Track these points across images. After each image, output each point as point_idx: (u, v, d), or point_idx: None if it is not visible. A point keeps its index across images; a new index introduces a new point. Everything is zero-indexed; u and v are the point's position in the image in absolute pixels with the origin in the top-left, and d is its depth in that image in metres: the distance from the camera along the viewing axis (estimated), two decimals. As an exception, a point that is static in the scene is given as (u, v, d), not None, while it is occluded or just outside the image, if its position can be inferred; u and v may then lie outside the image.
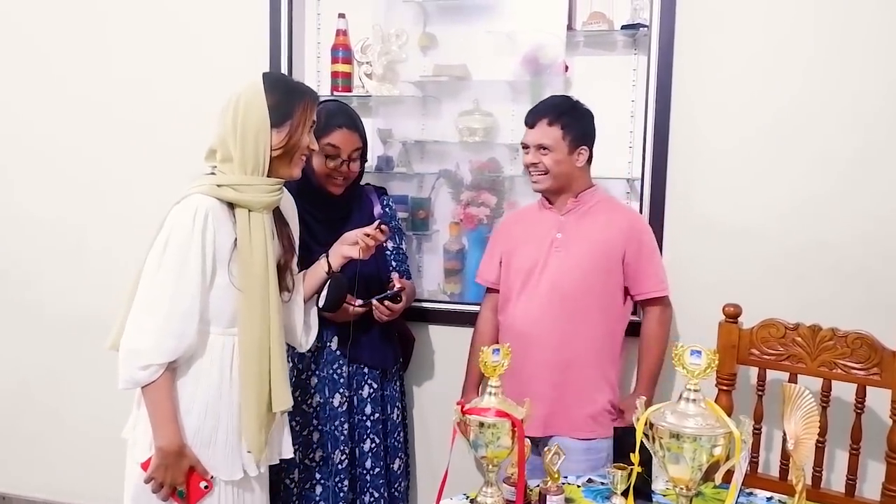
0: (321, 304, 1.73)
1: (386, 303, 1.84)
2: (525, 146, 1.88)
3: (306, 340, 1.75)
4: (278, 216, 1.64)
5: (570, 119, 1.85)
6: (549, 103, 1.89)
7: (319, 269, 1.73)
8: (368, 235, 1.70)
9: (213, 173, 1.55)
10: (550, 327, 1.84)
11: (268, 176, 1.53)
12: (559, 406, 1.84)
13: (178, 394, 1.52)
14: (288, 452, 1.68)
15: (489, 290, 2.04)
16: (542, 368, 1.85)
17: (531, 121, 1.86)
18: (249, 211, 1.51)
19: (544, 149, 1.83)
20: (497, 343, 1.89)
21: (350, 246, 1.71)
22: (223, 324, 1.53)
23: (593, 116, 1.91)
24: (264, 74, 1.55)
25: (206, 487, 1.52)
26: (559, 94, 1.97)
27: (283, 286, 1.62)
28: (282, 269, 1.62)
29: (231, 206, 1.51)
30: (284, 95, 1.53)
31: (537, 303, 1.86)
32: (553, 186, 1.87)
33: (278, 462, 1.67)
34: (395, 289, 1.85)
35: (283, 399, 1.56)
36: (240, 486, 1.58)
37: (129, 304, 1.51)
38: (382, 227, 1.72)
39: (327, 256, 1.73)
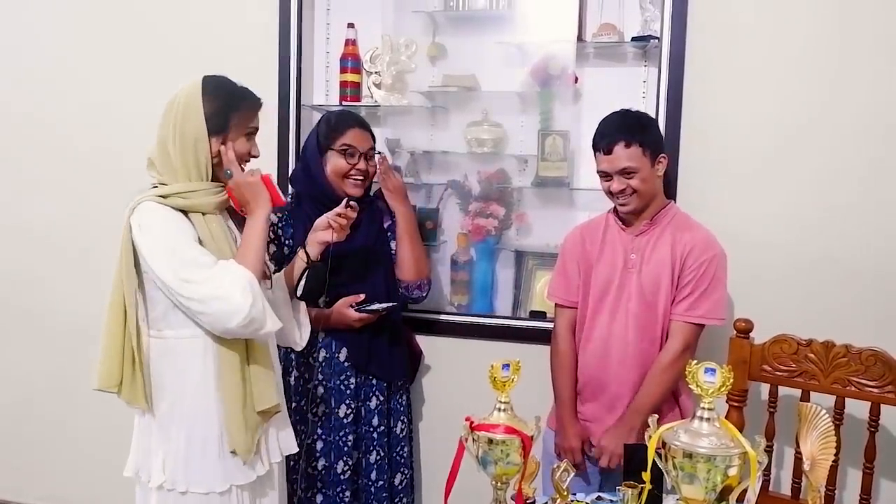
0: (299, 293, 1.71)
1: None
2: (606, 174, 1.79)
3: (300, 336, 1.73)
4: (232, 212, 1.60)
5: (644, 133, 1.78)
6: (617, 124, 1.79)
7: (299, 262, 1.72)
8: (340, 215, 1.70)
9: (155, 186, 1.52)
10: (631, 347, 1.83)
11: (212, 181, 1.52)
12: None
13: (168, 406, 1.51)
14: (289, 448, 1.66)
15: (562, 306, 1.95)
16: (625, 391, 1.83)
17: (606, 146, 1.77)
18: (203, 214, 1.50)
19: (629, 172, 1.76)
20: (577, 362, 1.90)
21: (323, 231, 1.71)
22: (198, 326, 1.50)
23: (656, 120, 1.87)
24: (204, 78, 1.53)
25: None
26: (618, 112, 1.85)
27: (263, 275, 1.59)
28: None
29: (184, 211, 1.50)
30: (222, 102, 1.51)
31: (619, 325, 1.84)
32: (641, 205, 1.81)
33: (280, 459, 1.64)
34: (388, 304, 1.89)
35: (266, 397, 1.52)
36: (253, 487, 1.58)
37: (108, 338, 1.49)
38: (351, 203, 1.73)
39: (304, 247, 1.72)
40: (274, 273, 1.70)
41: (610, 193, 1.82)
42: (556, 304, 1.98)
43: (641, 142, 1.76)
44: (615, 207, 1.88)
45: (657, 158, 1.80)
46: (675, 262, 1.80)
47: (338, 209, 1.71)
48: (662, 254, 1.81)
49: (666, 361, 1.79)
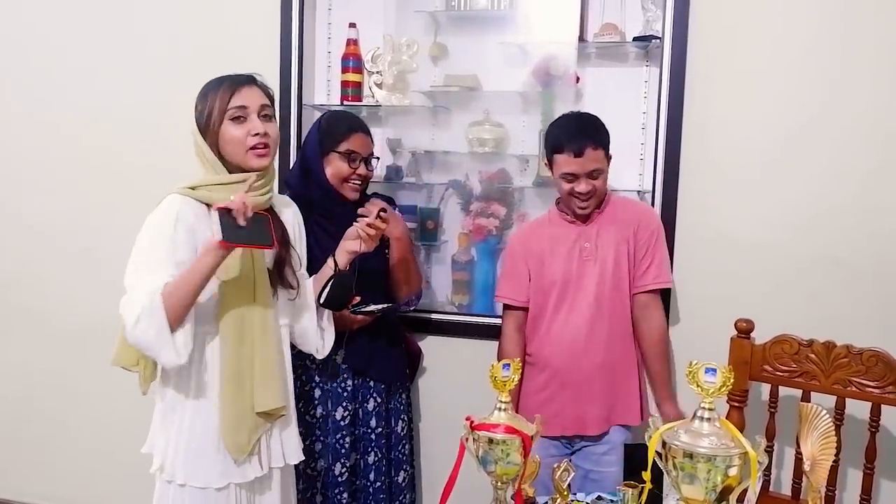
0: (322, 300, 1.70)
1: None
2: (573, 175, 1.82)
3: (322, 345, 1.74)
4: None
5: (604, 135, 1.86)
6: (584, 127, 1.85)
7: (327, 270, 1.72)
8: (370, 225, 1.70)
9: None
10: (598, 334, 1.89)
11: (231, 172, 1.54)
12: (614, 404, 1.91)
13: (173, 395, 1.53)
14: (293, 457, 1.65)
15: (510, 308, 1.99)
16: (596, 374, 1.89)
17: (578, 149, 1.80)
18: None
19: (597, 173, 1.82)
20: (524, 360, 1.93)
21: (353, 241, 1.72)
22: (206, 322, 1.51)
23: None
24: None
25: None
26: (573, 115, 1.93)
27: (286, 283, 1.62)
28: (280, 266, 1.60)
29: (209, 205, 1.51)
30: (204, 96, 1.55)
31: (582, 313, 1.89)
32: (598, 203, 1.90)
33: (283, 465, 1.63)
34: (384, 305, 1.88)
35: (266, 399, 1.52)
36: (252, 486, 1.58)
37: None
38: (382, 214, 1.72)
39: (334, 256, 1.73)
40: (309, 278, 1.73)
41: (571, 194, 1.85)
42: (504, 306, 2.01)
43: (604, 144, 1.84)
44: (558, 203, 1.96)
45: (608, 159, 1.88)
46: (628, 237, 1.89)
47: (368, 219, 1.70)
48: (614, 233, 1.89)
49: (661, 332, 1.92)
